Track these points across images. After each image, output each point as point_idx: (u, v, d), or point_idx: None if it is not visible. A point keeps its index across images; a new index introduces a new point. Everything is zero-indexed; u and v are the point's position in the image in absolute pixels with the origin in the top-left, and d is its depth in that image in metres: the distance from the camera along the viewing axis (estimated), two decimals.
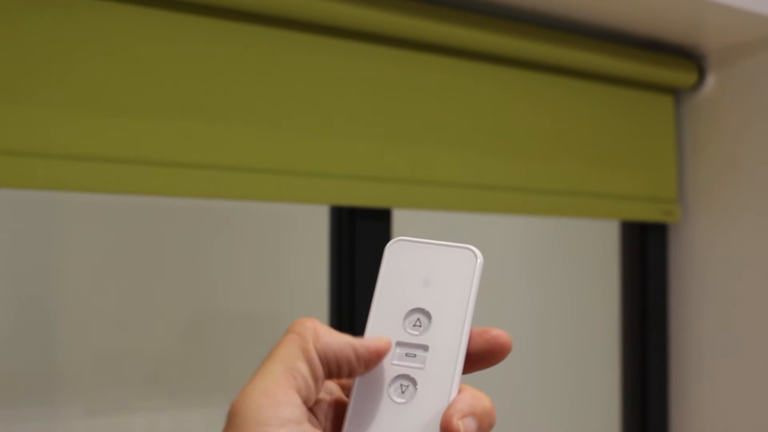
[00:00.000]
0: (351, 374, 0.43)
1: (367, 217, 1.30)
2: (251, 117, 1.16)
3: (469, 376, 0.45)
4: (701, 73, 1.61)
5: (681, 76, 1.59)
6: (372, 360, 0.42)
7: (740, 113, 1.57)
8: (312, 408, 0.42)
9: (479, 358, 0.44)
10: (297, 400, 0.39)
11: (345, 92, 1.25)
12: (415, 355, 0.43)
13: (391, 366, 0.43)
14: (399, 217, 1.36)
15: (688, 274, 1.64)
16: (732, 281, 1.58)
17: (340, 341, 0.42)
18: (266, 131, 1.17)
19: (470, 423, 0.41)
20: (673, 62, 1.59)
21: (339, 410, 0.43)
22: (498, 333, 0.44)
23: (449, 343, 0.43)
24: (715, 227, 1.60)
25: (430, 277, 0.45)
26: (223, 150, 1.14)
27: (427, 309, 0.44)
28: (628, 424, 1.65)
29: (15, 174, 0.99)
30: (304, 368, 0.40)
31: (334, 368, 0.42)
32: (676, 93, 1.65)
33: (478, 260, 0.45)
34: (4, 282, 1.18)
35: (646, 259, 1.65)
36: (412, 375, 0.43)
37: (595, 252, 1.74)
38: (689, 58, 1.63)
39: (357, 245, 1.28)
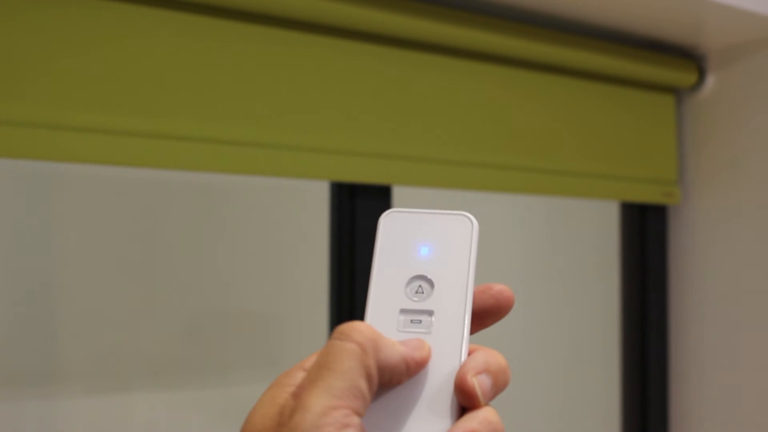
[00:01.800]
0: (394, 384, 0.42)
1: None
2: (253, 91, 1.17)
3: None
4: (701, 73, 1.61)
5: (681, 76, 1.60)
6: (418, 370, 0.42)
7: (740, 113, 1.57)
8: None
9: (486, 314, 0.44)
10: (356, 421, 0.38)
11: (347, 70, 1.25)
12: (420, 321, 0.43)
13: (398, 333, 0.43)
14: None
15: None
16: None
17: (396, 356, 0.41)
18: (267, 106, 1.18)
19: (485, 380, 0.41)
20: (673, 62, 1.59)
21: None
22: (501, 287, 0.45)
23: (454, 306, 0.43)
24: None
25: (428, 245, 0.45)
26: (225, 124, 1.14)
27: (427, 275, 0.44)
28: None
29: (18, 144, 0.99)
30: (365, 386, 0.39)
31: (386, 380, 0.41)
32: (676, 93, 1.66)
33: (474, 225, 0.45)
34: (3, 280, 1.18)
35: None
36: None
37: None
38: (689, 58, 1.63)
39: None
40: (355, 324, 0.41)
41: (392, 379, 0.41)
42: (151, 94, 1.09)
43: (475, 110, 1.39)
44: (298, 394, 0.39)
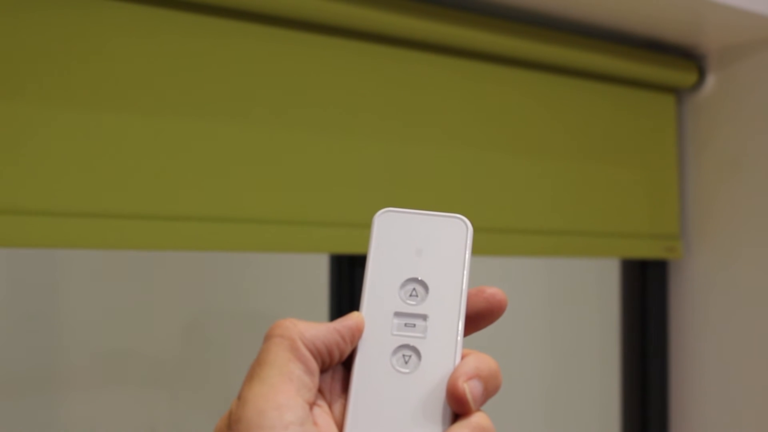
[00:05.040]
0: (342, 357, 0.43)
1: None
2: (249, 169, 1.15)
3: None
4: (701, 73, 1.61)
5: (681, 76, 1.60)
6: (356, 335, 0.43)
7: (741, 113, 1.57)
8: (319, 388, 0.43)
9: (479, 317, 0.45)
10: (299, 402, 0.39)
11: (341, 145, 1.24)
12: (414, 325, 0.43)
13: (392, 336, 0.43)
14: None
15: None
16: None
17: (324, 330, 0.42)
18: (264, 181, 1.16)
19: (476, 385, 0.41)
20: (673, 62, 1.59)
21: (344, 385, 0.43)
22: (494, 290, 0.45)
23: (449, 311, 0.43)
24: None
25: (423, 247, 0.45)
26: (222, 202, 1.12)
27: (422, 278, 0.44)
28: None
29: (11, 233, 0.97)
30: (298, 369, 0.41)
31: (326, 357, 0.42)
32: (677, 93, 1.66)
33: (469, 229, 0.45)
34: (4, 282, 1.18)
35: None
36: (414, 344, 0.43)
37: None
38: (689, 58, 1.63)
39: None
40: (279, 321, 0.42)
41: (333, 352, 0.42)
42: (149, 175, 1.07)
43: (473, 171, 1.35)
44: (239, 395, 0.40)
